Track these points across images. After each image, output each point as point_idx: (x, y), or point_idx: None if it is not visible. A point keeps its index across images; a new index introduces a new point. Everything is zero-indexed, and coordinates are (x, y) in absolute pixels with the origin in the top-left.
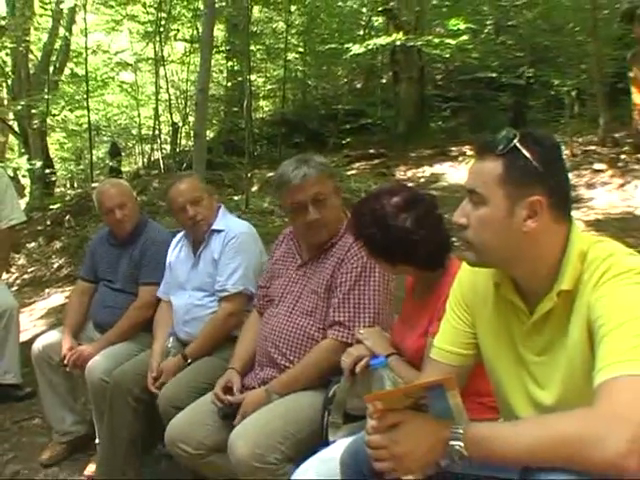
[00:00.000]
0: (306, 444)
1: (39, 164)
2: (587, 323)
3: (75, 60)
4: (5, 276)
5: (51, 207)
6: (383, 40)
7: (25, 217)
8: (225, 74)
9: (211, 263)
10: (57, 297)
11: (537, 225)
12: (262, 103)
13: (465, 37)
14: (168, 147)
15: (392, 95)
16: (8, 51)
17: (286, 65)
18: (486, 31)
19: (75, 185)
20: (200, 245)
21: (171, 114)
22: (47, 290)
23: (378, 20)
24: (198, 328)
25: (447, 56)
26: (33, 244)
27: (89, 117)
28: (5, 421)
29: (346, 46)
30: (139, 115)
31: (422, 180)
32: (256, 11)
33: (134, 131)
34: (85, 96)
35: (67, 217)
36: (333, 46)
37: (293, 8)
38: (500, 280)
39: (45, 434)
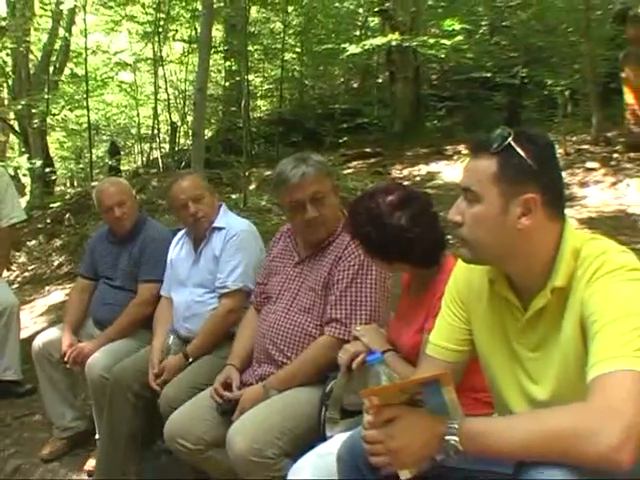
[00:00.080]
0: (303, 439)
1: (39, 163)
2: (580, 319)
3: (75, 60)
4: (6, 274)
5: (51, 205)
6: (379, 40)
7: (25, 215)
8: (223, 74)
9: (212, 260)
10: (57, 294)
11: (531, 222)
12: (260, 103)
13: (460, 37)
14: (167, 146)
15: (388, 95)
16: (8, 51)
17: (283, 65)
18: (481, 32)
19: (75, 184)
20: (201, 242)
21: (170, 113)
22: (47, 287)
23: (374, 21)
24: (198, 324)
25: (442, 56)
26: (33, 242)
27: (89, 116)
28: (6, 417)
29: (343, 46)
30: (138, 114)
31: (418, 179)
32: (254, 11)
33: (133, 130)
34: (85, 96)
35: (67, 215)
36: (330, 46)
37: (290, 9)
38: (495, 277)
39: (45, 430)
